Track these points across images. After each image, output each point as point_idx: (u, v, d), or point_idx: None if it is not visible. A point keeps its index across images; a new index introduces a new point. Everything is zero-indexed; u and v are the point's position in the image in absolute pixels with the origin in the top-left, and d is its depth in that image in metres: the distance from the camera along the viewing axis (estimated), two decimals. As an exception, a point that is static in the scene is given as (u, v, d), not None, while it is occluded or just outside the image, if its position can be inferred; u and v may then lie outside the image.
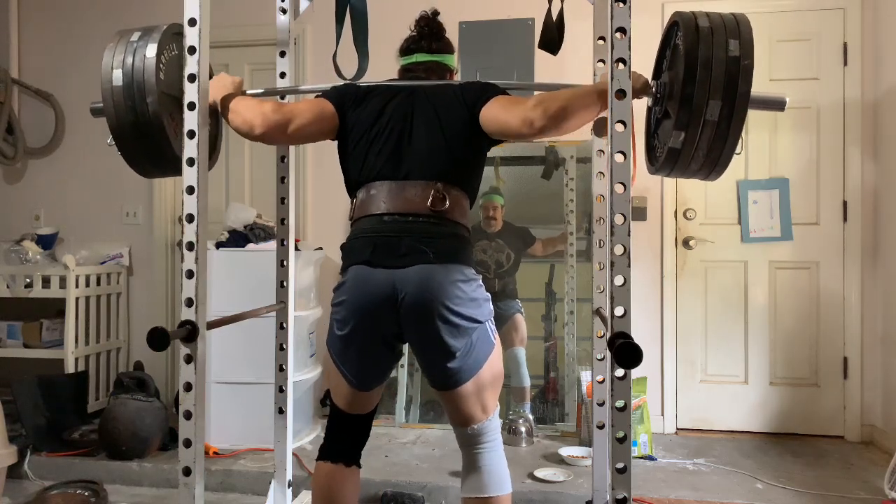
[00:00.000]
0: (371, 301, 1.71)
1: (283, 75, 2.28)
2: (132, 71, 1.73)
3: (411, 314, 1.70)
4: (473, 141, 1.80)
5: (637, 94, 1.61)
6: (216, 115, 1.97)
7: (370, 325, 1.74)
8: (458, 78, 2.12)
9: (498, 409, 1.86)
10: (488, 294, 1.80)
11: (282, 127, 1.80)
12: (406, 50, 2.02)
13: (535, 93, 1.78)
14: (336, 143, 1.90)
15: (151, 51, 1.74)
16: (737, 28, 1.48)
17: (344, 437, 1.88)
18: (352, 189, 1.87)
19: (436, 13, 2.03)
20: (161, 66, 1.76)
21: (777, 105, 1.57)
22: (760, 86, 3.88)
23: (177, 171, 1.71)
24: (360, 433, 1.90)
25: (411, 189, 1.75)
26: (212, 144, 2.06)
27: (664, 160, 1.61)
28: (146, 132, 1.75)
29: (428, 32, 2.01)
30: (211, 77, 1.91)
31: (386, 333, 1.75)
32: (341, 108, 1.86)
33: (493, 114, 1.75)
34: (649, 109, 1.75)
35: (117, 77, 1.73)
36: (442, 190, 1.75)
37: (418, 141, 1.79)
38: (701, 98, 1.46)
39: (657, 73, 1.70)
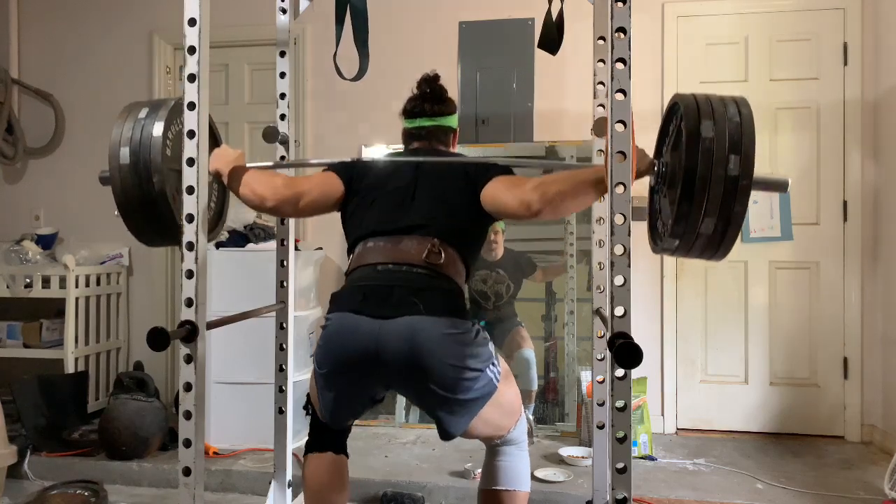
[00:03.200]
0: (352, 355, 1.68)
1: (283, 75, 2.28)
2: (139, 149, 1.76)
3: (399, 372, 1.67)
4: (473, 213, 1.82)
5: (642, 174, 1.61)
6: (222, 186, 2.03)
7: (348, 379, 1.72)
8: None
9: (522, 416, 1.89)
10: (486, 336, 1.76)
11: (292, 202, 1.87)
12: (409, 113, 2.04)
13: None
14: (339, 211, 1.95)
15: (158, 129, 1.76)
16: (740, 140, 1.44)
17: (329, 435, 1.90)
18: (351, 246, 1.89)
19: (437, 76, 2.05)
20: (168, 142, 1.78)
21: (779, 187, 1.56)
22: (760, 86, 3.89)
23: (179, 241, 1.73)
24: (343, 431, 1.93)
25: (408, 242, 1.77)
26: (216, 218, 2.08)
27: (663, 249, 1.63)
28: (152, 207, 1.77)
29: (430, 95, 2.02)
30: (217, 145, 1.99)
31: (366, 386, 1.74)
32: (348, 182, 1.91)
33: (493, 193, 1.77)
34: (651, 188, 1.75)
35: (124, 155, 1.77)
36: (438, 245, 1.76)
37: (419, 203, 1.82)
38: (696, 215, 1.45)
39: (659, 151, 1.70)
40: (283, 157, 2.29)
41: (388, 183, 1.87)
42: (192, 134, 1.63)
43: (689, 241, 1.50)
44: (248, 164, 1.96)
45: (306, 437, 1.94)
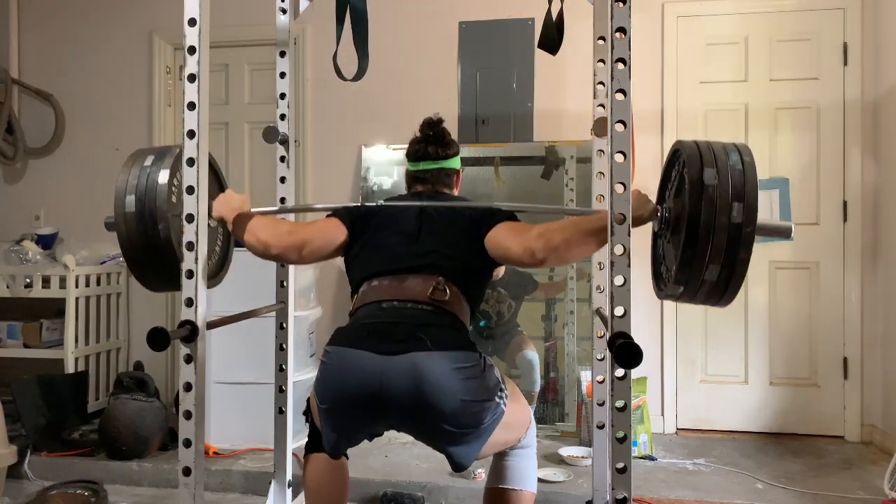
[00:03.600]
0: (354, 393, 1.63)
1: (283, 75, 2.28)
2: (144, 197, 1.76)
3: (406, 411, 1.62)
4: (478, 256, 1.83)
5: (646, 221, 1.62)
6: (227, 233, 2.06)
7: (350, 417, 1.68)
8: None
9: (531, 423, 1.89)
10: (491, 363, 1.74)
11: (296, 249, 1.88)
12: (413, 156, 2.06)
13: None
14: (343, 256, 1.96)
15: (164, 177, 1.76)
16: (742, 188, 1.44)
17: None
18: (355, 287, 1.89)
19: (440, 120, 2.08)
20: (173, 189, 1.78)
21: (782, 234, 1.56)
22: (760, 86, 3.89)
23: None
24: None
25: (412, 280, 1.78)
26: (219, 265, 2.09)
27: (667, 296, 1.63)
28: (157, 255, 1.78)
29: (433, 138, 2.04)
30: (221, 190, 2.01)
31: (368, 425, 1.71)
32: (351, 227, 1.93)
33: (498, 239, 1.79)
34: (654, 234, 1.75)
35: (130, 203, 1.77)
36: (443, 283, 1.77)
37: (424, 242, 1.84)
38: (700, 262, 1.46)
39: (661, 195, 1.70)
40: (282, 158, 2.29)
41: (393, 227, 1.89)
42: (191, 134, 1.63)
43: (694, 288, 1.51)
44: (252, 209, 1.97)
45: (306, 438, 1.94)
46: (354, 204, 2.03)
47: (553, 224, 1.71)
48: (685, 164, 1.51)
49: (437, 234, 1.85)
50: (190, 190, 1.63)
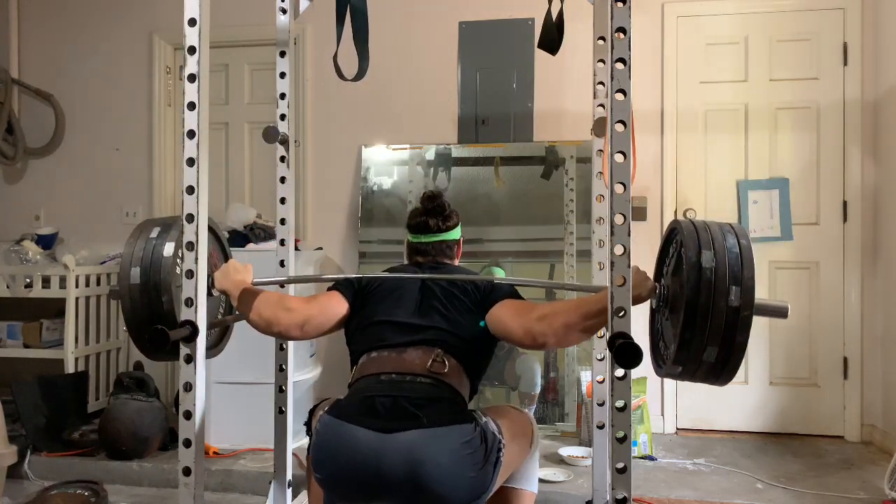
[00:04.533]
0: (350, 471, 1.59)
1: (283, 75, 2.28)
2: (150, 269, 1.78)
3: (404, 494, 1.57)
4: (478, 331, 1.83)
5: (644, 299, 1.62)
6: (229, 304, 2.06)
7: (344, 492, 1.65)
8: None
9: (535, 431, 1.89)
10: (486, 421, 1.66)
11: (298, 326, 1.89)
12: (414, 229, 2.08)
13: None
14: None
15: (168, 249, 1.78)
16: (740, 272, 1.46)
17: None
18: (355, 358, 1.90)
19: (440, 193, 2.11)
20: (178, 261, 1.79)
21: (779, 314, 1.58)
22: (760, 86, 3.88)
23: None
24: None
25: (412, 353, 1.78)
26: (221, 335, 2.10)
27: (666, 374, 1.64)
28: (160, 325, 1.77)
29: (432, 210, 2.06)
30: (226, 257, 2.02)
31: (362, 499, 1.65)
32: (352, 300, 1.94)
33: (499, 318, 1.79)
34: (652, 311, 1.76)
35: (135, 275, 1.78)
36: (442, 356, 1.77)
37: (425, 318, 1.84)
38: (699, 344, 1.47)
39: (659, 272, 1.72)
40: (282, 158, 2.28)
41: (394, 300, 1.89)
42: (191, 134, 1.63)
43: (693, 368, 1.52)
44: (255, 280, 1.97)
45: (306, 438, 1.93)
46: (356, 276, 2.04)
47: (555, 305, 1.73)
48: (683, 244, 1.53)
49: (438, 309, 1.86)
50: (190, 190, 1.63)
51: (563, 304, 1.74)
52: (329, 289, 1.99)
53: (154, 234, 1.82)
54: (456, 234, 2.09)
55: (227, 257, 2.12)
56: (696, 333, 1.46)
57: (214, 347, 2.07)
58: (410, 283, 1.93)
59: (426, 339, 1.80)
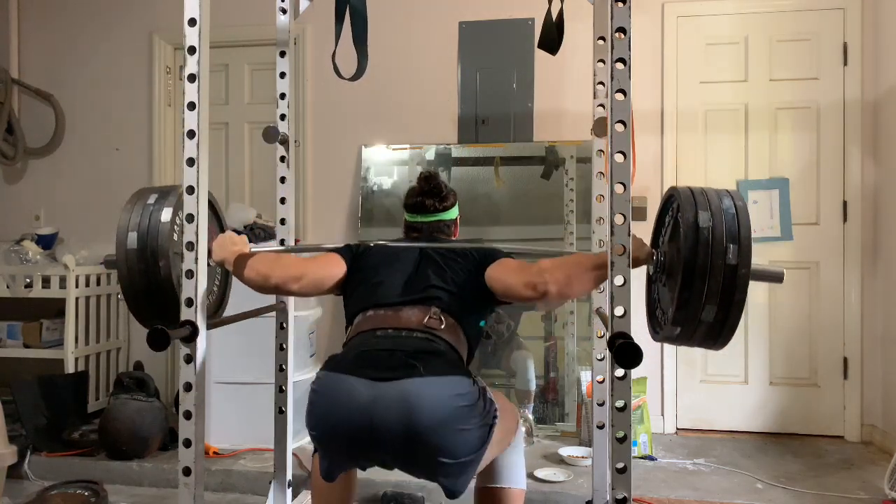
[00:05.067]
0: (343, 423, 1.57)
1: (283, 75, 2.28)
2: (147, 234, 1.76)
3: (397, 444, 1.56)
4: (476, 291, 1.84)
5: (641, 263, 1.63)
6: (225, 275, 2.07)
7: (339, 449, 1.65)
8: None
9: (520, 425, 1.90)
10: (484, 385, 1.70)
11: (295, 279, 1.88)
12: (411, 208, 2.09)
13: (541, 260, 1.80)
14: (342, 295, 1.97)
15: (166, 215, 1.77)
16: (737, 230, 1.48)
17: None
18: (350, 319, 1.90)
19: (437, 174, 2.12)
20: (175, 227, 1.78)
21: (775, 278, 1.58)
22: (760, 86, 3.89)
23: None
24: None
25: (408, 311, 1.79)
26: (217, 303, 2.08)
27: (664, 338, 1.65)
28: (156, 293, 1.78)
29: (429, 190, 2.07)
30: (222, 229, 2.01)
31: (357, 459, 1.68)
32: (350, 263, 1.95)
33: (499, 275, 1.81)
34: (649, 277, 1.77)
35: (132, 240, 1.77)
36: (439, 314, 1.78)
37: (422, 279, 1.85)
38: (697, 303, 1.48)
39: (656, 240, 1.72)
40: (282, 158, 2.29)
41: (392, 264, 1.91)
42: (191, 134, 1.63)
43: (691, 329, 1.53)
44: (252, 248, 1.97)
45: (306, 437, 1.94)
46: (355, 243, 2.05)
47: (555, 260, 1.74)
48: (679, 208, 1.54)
49: (436, 271, 1.87)
50: (190, 190, 1.63)
51: (562, 258, 1.75)
52: (328, 251, 2.00)
53: (151, 200, 1.81)
54: (453, 213, 2.10)
55: (223, 230, 2.10)
56: (694, 292, 1.47)
57: (213, 316, 2.04)
58: (409, 251, 1.94)
59: (423, 297, 1.81)
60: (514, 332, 3.70)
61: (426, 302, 1.80)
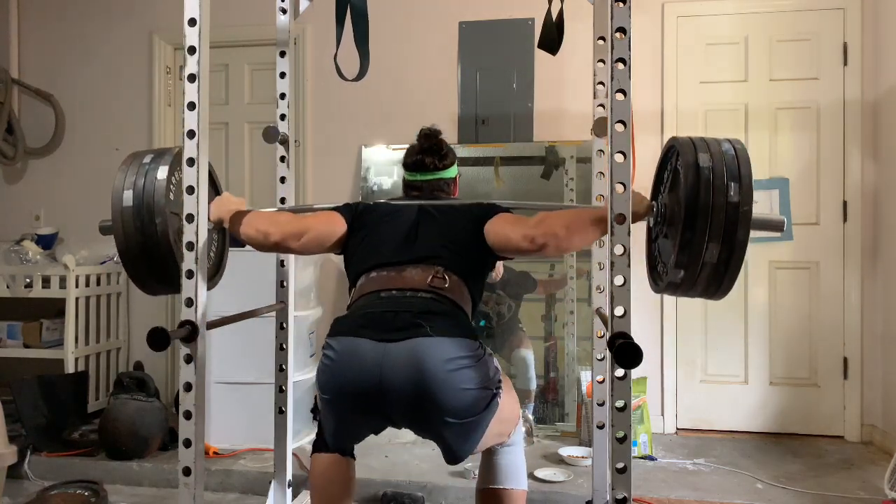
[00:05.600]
0: (354, 382, 1.62)
1: (283, 75, 2.28)
2: (143, 193, 1.75)
3: (405, 401, 1.60)
4: (477, 248, 1.84)
5: (641, 217, 1.62)
6: (223, 232, 2.05)
7: (350, 409, 1.68)
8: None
9: (520, 420, 1.89)
10: (490, 352, 1.74)
11: (296, 236, 1.86)
12: (410, 166, 2.08)
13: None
14: (342, 255, 1.96)
15: (162, 173, 1.76)
16: (737, 169, 1.47)
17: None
18: (353, 281, 1.90)
19: (438, 131, 2.10)
20: (171, 187, 1.78)
21: (775, 227, 1.57)
22: (760, 86, 3.89)
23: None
24: None
25: (411, 270, 1.78)
26: (214, 267, 2.08)
27: (666, 287, 1.63)
28: (153, 252, 1.76)
29: (429, 148, 2.06)
30: (217, 193, 1.98)
31: (368, 418, 1.71)
32: (351, 221, 1.93)
33: (497, 228, 1.81)
34: (649, 230, 1.76)
35: (127, 198, 1.76)
36: (442, 272, 1.77)
37: (424, 236, 1.85)
38: (700, 242, 1.46)
39: (656, 192, 1.71)
40: (282, 158, 2.29)
41: (392, 223, 1.90)
42: (191, 134, 1.63)
43: (694, 272, 1.51)
44: (249, 209, 1.96)
45: (306, 438, 1.94)
46: (355, 202, 2.04)
47: (553, 212, 1.73)
48: (679, 154, 1.54)
49: (436, 229, 1.86)
50: (190, 190, 1.63)
51: (560, 212, 1.74)
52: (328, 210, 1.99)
53: (147, 160, 1.80)
54: (452, 172, 2.09)
55: (218, 193, 2.07)
56: (696, 231, 1.46)
57: (210, 280, 2.03)
58: (408, 209, 1.92)
59: (425, 256, 1.80)
60: (515, 313, 3.70)
61: (429, 261, 1.79)
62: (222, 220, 1.90)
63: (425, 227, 1.87)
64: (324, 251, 1.97)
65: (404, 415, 1.66)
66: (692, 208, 1.46)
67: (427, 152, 2.05)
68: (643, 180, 3.71)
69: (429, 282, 1.74)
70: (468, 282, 1.83)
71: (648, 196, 1.69)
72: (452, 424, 1.62)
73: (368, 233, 1.90)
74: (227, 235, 2.11)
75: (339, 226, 1.92)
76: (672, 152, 1.62)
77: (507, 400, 1.77)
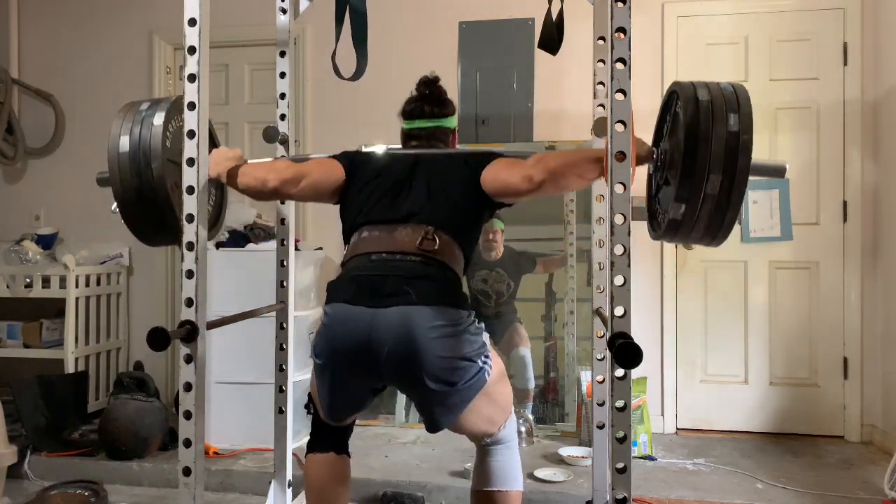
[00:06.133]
0: (348, 343, 1.69)
1: (283, 75, 2.28)
2: (139, 138, 1.75)
3: (394, 366, 1.67)
4: (471, 199, 1.83)
5: (641, 161, 1.62)
6: (221, 187, 2.03)
7: (346, 369, 1.74)
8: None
9: (512, 415, 1.88)
10: (480, 326, 1.77)
11: (294, 182, 1.85)
12: (408, 114, 2.04)
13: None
14: (339, 204, 1.95)
15: (159, 119, 1.76)
16: (736, 102, 1.48)
17: (330, 433, 1.91)
18: (347, 236, 1.89)
19: (437, 78, 2.05)
20: (168, 134, 1.77)
21: (777, 172, 1.56)
22: (760, 86, 3.89)
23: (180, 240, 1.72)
24: (346, 429, 1.94)
25: (402, 231, 1.78)
26: (214, 217, 2.07)
27: (666, 229, 1.62)
28: (150, 198, 1.76)
29: (429, 96, 2.02)
30: (214, 146, 1.96)
31: (362, 377, 1.75)
32: (349, 168, 1.91)
33: (494, 173, 1.79)
34: (650, 176, 1.76)
35: (124, 143, 1.76)
36: (432, 233, 1.76)
37: (416, 191, 1.83)
38: (701, 172, 1.46)
39: (657, 140, 1.71)
40: (283, 158, 2.28)
41: (387, 173, 1.88)
42: (192, 134, 1.63)
43: (695, 207, 1.49)
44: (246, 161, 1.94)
45: (306, 437, 1.94)
46: (353, 150, 2.01)
47: (549, 152, 1.74)
48: (679, 93, 1.54)
49: (430, 182, 1.84)
50: (190, 190, 1.63)
51: (557, 151, 1.75)
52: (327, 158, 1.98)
53: (144, 107, 1.79)
54: (452, 122, 2.05)
55: (215, 146, 2.05)
56: (697, 160, 1.45)
57: (210, 230, 2.02)
58: (404, 160, 1.91)
59: (416, 214, 1.79)
60: (514, 292, 3.71)
61: (419, 218, 1.78)
62: (220, 176, 1.88)
63: (419, 179, 1.85)
64: (321, 199, 1.95)
65: (391, 373, 1.71)
66: (692, 138, 1.46)
67: (426, 99, 2.02)
68: (643, 180, 3.70)
69: (418, 244, 1.74)
70: (459, 238, 1.82)
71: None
72: (433, 391, 1.67)
73: (363, 185, 1.88)
74: (225, 187, 2.09)
75: (337, 173, 1.90)
76: (673, 98, 1.62)
77: (499, 383, 1.79)
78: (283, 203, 2.29)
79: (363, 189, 1.87)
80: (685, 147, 1.46)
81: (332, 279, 1.83)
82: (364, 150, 2.00)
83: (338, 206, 1.96)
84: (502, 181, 1.77)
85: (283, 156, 2.27)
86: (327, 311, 1.75)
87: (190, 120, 1.63)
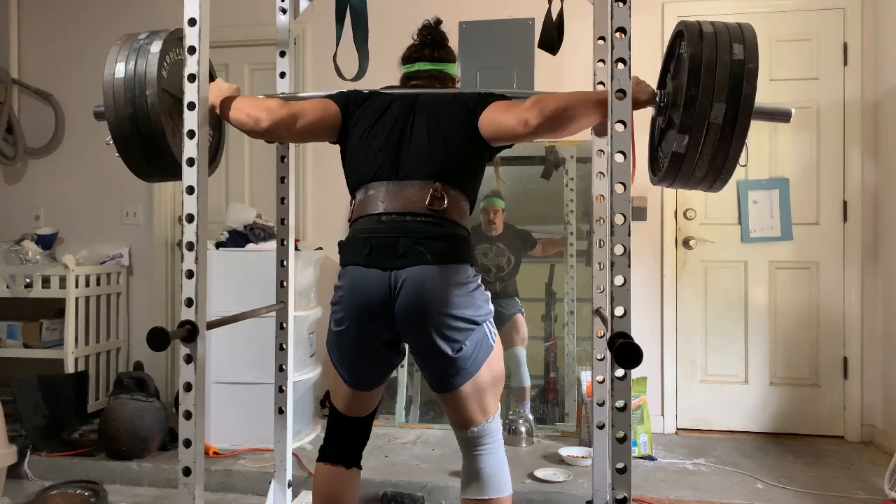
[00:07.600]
0: (367, 304, 1.71)
1: (283, 75, 2.28)
2: (135, 66, 1.74)
3: (406, 320, 1.69)
4: (472, 144, 1.80)
5: (643, 104, 1.61)
6: (218, 121, 1.99)
7: (366, 327, 1.74)
8: (458, 85, 2.11)
9: (499, 412, 1.86)
10: (488, 294, 1.79)
11: (288, 123, 1.80)
12: (408, 58, 2.00)
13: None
14: (338, 145, 1.90)
15: (156, 47, 1.75)
16: (741, 34, 1.48)
17: (343, 440, 1.88)
18: (352, 190, 1.86)
19: (438, 21, 2.02)
20: (165, 65, 1.76)
21: (782, 116, 1.56)
22: (760, 86, 3.88)
23: (175, 175, 1.71)
24: (360, 435, 1.91)
25: (409, 188, 1.75)
26: (213, 152, 2.06)
27: (668, 167, 1.59)
28: (144, 128, 1.74)
29: (430, 41, 1.99)
30: (212, 80, 1.91)
31: (383, 335, 1.75)
32: (345, 110, 1.87)
33: (491, 116, 1.76)
34: (653, 119, 1.74)
35: (119, 70, 1.74)
36: (440, 189, 1.74)
37: (417, 141, 1.79)
38: (705, 101, 1.44)
39: (662, 83, 1.70)
40: (283, 158, 2.29)
41: (386, 116, 1.83)
42: (191, 134, 1.62)
43: (699, 138, 1.47)
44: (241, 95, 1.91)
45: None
46: (350, 90, 1.95)
47: (547, 94, 1.70)
48: (685, 29, 1.53)
49: (430, 126, 1.80)
50: (190, 190, 1.63)
51: (556, 93, 1.71)
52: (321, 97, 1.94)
53: (142, 37, 1.78)
54: (452, 69, 2.01)
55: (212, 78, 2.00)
56: (701, 88, 1.43)
57: (210, 163, 2.00)
58: (402, 101, 1.85)
59: (422, 166, 1.76)
60: (514, 269, 3.72)
61: (425, 173, 1.76)
62: (214, 106, 1.84)
63: (419, 123, 1.81)
64: (318, 139, 1.91)
65: (404, 333, 1.73)
66: (696, 66, 1.44)
67: (427, 44, 1.99)
68: (643, 180, 3.71)
69: (427, 203, 1.73)
70: (465, 188, 1.81)
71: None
72: (437, 348, 1.69)
73: (364, 132, 1.82)
74: (223, 123, 2.07)
75: (333, 113, 1.85)
76: (679, 37, 1.60)
77: (497, 357, 1.79)
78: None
79: (364, 136, 1.82)
80: (689, 77, 1.45)
81: (342, 240, 1.82)
82: (359, 91, 1.91)
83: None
84: (499, 125, 1.74)
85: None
86: (342, 274, 1.76)
87: (190, 120, 1.62)
